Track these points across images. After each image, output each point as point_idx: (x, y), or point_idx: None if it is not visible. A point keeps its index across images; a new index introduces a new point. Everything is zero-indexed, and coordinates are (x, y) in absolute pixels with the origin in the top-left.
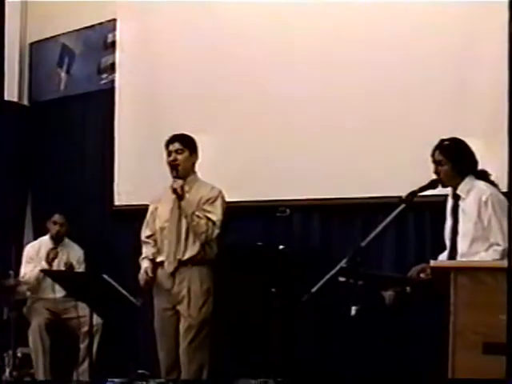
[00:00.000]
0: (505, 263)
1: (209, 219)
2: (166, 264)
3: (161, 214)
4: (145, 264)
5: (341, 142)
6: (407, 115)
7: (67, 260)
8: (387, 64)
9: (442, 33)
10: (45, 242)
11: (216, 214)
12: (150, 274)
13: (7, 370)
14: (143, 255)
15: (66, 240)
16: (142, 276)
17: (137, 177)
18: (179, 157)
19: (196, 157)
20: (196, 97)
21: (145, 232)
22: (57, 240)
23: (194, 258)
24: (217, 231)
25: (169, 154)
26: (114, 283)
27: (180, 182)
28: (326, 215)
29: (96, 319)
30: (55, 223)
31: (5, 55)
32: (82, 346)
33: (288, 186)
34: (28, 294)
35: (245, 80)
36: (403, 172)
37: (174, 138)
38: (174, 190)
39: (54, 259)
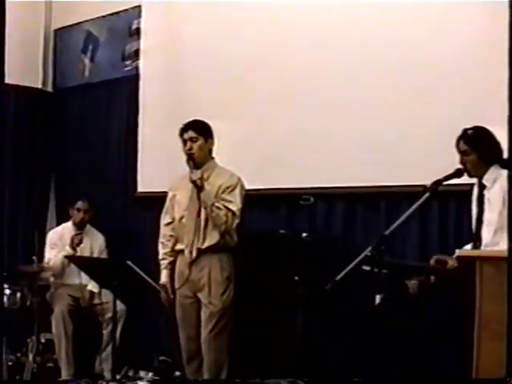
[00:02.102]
0: None
1: (228, 209)
2: (185, 252)
3: (180, 201)
4: (163, 277)
5: (365, 130)
6: (432, 103)
7: (90, 246)
8: (408, 53)
9: (464, 21)
10: (67, 228)
11: (235, 204)
12: (171, 296)
13: (30, 356)
14: (161, 255)
15: (88, 226)
16: (162, 295)
17: (160, 163)
18: (194, 145)
19: (212, 142)
20: (220, 84)
21: (164, 219)
22: (80, 226)
23: (214, 247)
24: (236, 221)
25: (184, 142)
26: (137, 270)
27: (198, 173)
28: (350, 203)
29: (119, 305)
30: (79, 210)
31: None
32: (105, 332)
33: (312, 174)
34: (51, 279)
35: (270, 66)
36: (428, 160)
37: (188, 126)
38: (193, 182)
39: (78, 244)
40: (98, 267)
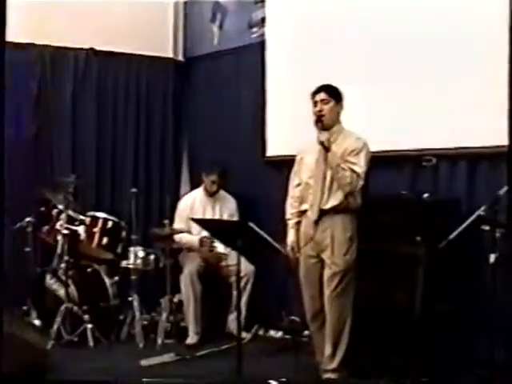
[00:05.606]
0: None
1: (353, 171)
2: (309, 212)
3: (307, 164)
4: (290, 236)
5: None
6: None
7: (220, 210)
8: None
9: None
10: (199, 195)
11: (360, 166)
12: (297, 255)
13: (164, 315)
14: (288, 215)
15: (221, 192)
16: (289, 254)
17: (288, 128)
18: (325, 107)
19: (341, 107)
20: (343, 49)
21: (293, 181)
22: (212, 195)
23: (337, 207)
24: (361, 183)
25: (315, 104)
26: (259, 231)
27: (326, 134)
28: (473, 163)
29: (249, 267)
30: (213, 182)
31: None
32: (235, 292)
33: (434, 135)
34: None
35: (391, 32)
36: None
37: (320, 89)
38: (321, 143)
39: (211, 250)
40: (221, 229)
